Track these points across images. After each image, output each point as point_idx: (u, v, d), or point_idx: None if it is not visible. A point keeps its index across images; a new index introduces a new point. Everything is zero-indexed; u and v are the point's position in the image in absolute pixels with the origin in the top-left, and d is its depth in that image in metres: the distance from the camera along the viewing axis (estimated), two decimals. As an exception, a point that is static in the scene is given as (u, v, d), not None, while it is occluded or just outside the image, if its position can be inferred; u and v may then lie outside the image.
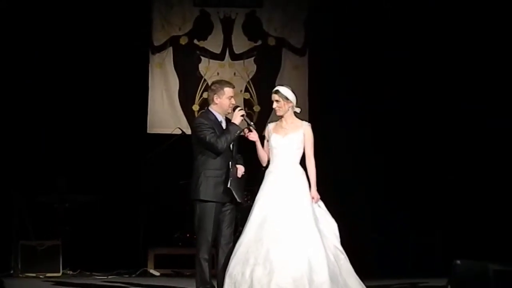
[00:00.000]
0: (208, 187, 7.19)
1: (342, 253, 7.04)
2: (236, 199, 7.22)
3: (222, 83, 7.42)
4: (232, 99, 7.31)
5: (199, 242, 7.23)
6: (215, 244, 7.26)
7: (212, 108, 7.36)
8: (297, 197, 7.05)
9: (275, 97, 7.24)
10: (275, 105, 7.24)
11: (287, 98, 7.23)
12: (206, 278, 7.23)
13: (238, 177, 7.26)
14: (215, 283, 7.31)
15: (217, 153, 7.17)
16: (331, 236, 7.05)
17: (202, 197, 7.20)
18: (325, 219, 7.13)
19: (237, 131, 7.21)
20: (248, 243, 6.90)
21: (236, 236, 9.27)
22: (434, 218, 10.69)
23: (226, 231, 7.26)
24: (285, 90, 7.26)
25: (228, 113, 7.34)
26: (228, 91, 7.30)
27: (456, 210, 10.65)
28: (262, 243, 6.84)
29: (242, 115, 7.23)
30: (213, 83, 7.52)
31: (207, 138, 7.17)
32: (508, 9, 10.53)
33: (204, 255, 7.20)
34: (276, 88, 7.32)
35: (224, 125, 7.31)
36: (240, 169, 7.31)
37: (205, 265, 7.21)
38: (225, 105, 7.30)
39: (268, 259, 6.76)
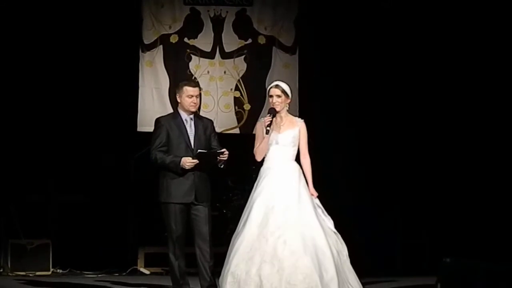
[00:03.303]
0: (167, 188, 7.30)
1: (344, 249, 7.03)
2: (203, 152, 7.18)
3: (184, 82, 7.47)
4: (194, 98, 7.31)
5: (167, 242, 7.33)
6: (193, 242, 7.29)
7: (179, 108, 7.42)
8: (297, 193, 6.98)
9: (276, 91, 7.13)
10: (275, 100, 7.12)
11: (287, 94, 7.18)
12: (176, 277, 7.33)
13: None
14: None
15: None
16: (331, 232, 7.03)
17: (161, 199, 7.35)
18: (322, 215, 7.11)
19: (172, 168, 7.23)
20: (251, 241, 6.78)
21: (227, 234, 9.25)
22: (423, 216, 10.71)
23: (201, 229, 7.28)
24: (285, 86, 7.20)
25: (192, 112, 7.36)
26: (187, 89, 7.34)
27: (445, 208, 10.66)
28: (267, 240, 6.74)
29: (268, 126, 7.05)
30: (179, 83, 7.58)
31: (151, 143, 7.36)
32: (508, 9, 10.53)
33: (170, 254, 7.29)
34: (276, 83, 7.23)
35: (189, 124, 7.35)
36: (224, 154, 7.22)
37: (175, 264, 7.31)
38: (185, 104, 7.34)
39: (276, 257, 6.66)
